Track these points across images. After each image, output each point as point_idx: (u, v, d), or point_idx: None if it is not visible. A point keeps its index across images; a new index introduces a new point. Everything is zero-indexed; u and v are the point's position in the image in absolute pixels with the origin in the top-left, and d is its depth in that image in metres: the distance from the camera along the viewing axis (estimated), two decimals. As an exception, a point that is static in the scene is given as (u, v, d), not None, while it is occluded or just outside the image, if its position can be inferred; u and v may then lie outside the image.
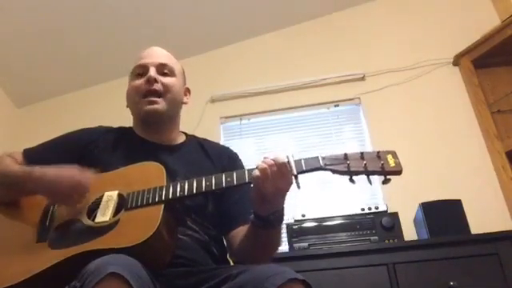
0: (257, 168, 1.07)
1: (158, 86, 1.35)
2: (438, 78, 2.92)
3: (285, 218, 1.19)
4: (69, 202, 1.16)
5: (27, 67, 3.14)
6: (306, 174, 1.10)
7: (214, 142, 1.51)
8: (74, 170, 1.16)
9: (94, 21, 2.94)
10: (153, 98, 1.34)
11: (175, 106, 1.41)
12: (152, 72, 1.35)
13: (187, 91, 1.50)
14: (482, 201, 2.49)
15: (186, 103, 1.47)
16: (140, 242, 1.00)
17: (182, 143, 1.44)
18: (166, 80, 1.38)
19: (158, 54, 1.42)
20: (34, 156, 1.33)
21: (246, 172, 1.12)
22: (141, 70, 1.38)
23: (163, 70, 1.39)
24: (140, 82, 1.36)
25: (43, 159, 1.31)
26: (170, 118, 1.40)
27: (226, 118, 3.12)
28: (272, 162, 1.06)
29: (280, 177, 1.06)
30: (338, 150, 1.12)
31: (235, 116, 3.11)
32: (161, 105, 1.35)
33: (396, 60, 2.99)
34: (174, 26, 3.10)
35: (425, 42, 3.04)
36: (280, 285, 0.93)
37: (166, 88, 1.36)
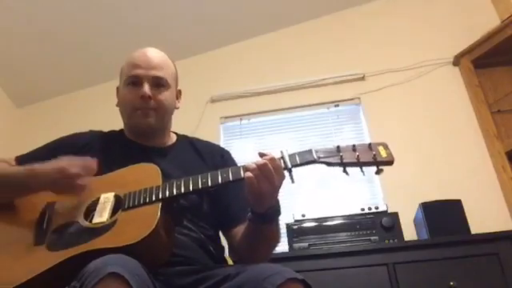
0: (248, 170, 1.08)
1: (152, 104, 1.34)
2: (438, 78, 2.92)
3: (285, 218, 1.20)
4: (72, 189, 1.15)
5: (27, 67, 3.15)
6: (305, 171, 1.11)
7: (205, 141, 1.50)
8: (72, 158, 1.16)
9: (94, 21, 2.94)
10: (146, 110, 1.34)
11: (167, 117, 1.41)
12: (146, 88, 1.33)
13: (179, 94, 1.48)
14: (482, 201, 2.49)
15: (177, 108, 1.46)
16: (138, 241, 1.00)
17: (173, 144, 1.43)
18: (161, 96, 1.35)
19: (152, 64, 1.37)
20: (26, 162, 1.33)
21: (242, 168, 1.12)
22: (134, 80, 1.35)
23: (157, 82, 1.36)
24: (133, 94, 1.34)
25: None
26: (161, 127, 1.40)
27: (226, 118, 3.12)
28: (263, 161, 1.07)
29: (272, 173, 1.07)
30: (338, 150, 1.13)
31: (235, 116, 3.11)
32: (153, 118, 1.34)
33: (396, 60, 2.99)
34: (174, 26, 3.10)
35: (425, 41, 3.04)
36: (279, 284, 0.93)
37: (160, 104, 1.35)
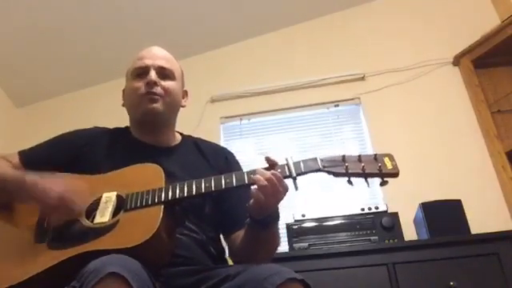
0: (257, 186, 1.08)
1: (158, 90, 1.33)
2: (438, 78, 2.92)
3: (285, 218, 1.20)
4: (57, 215, 1.14)
5: (27, 67, 3.14)
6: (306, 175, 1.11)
7: (209, 142, 1.50)
8: (66, 180, 1.14)
9: (93, 21, 2.94)
10: (153, 95, 1.33)
11: (173, 108, 1.40)
12: (152, 75, 1.34)
13: (185, 94, 1.48)
14: (481, 201, 2.49)
15: (184, 106, 1.45)
16: (140, 243, 1.00)
17: (177, 145, 1.43)
18: (166, 84, 1.36)
19: (158, 56, 1.39)
20: (29, 158, 1.32)
21: (245, 174, 1.12)
22: (141, 71, 1.36)
23: (163, 72, 1.37)
24: (140, 83, 1.34)
25: (39, 161, 1.31)
26: (167, 119, 1.39)
27: (226, 118, 3.12)
28: (270, 175, 1.07)
29: (279, 189, 1.07)
30: (338, 150, 1.14)
31: (235, 116, 3.11)
32: (160, 104, 1.33)
33: (396, 60, 2.99)
34: (174, 26, 3.10)
35: (425, 41, 3.04)
36: (279, 284, 0.93)
37: (166, 92, 1.35)
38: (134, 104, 1.37)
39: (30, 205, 1.22)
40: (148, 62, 1.37)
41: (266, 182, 1.06)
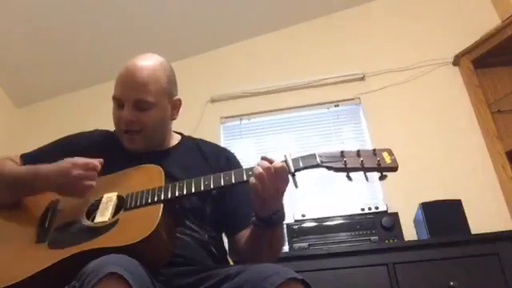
0: (253, 175, 1.08)
1: (134, 127, 1.30)
2: (438, 78, 2.92)
3: (285, 217, 1.20)
4: (76, 192, 1.15)
5: (27, 67, 3.14)
6: (305, 173, 1.11)
7: (210, 143, 1.49)
8: (76, 159, 1.17)
9: (93, 21, 2.94)
10: (131, 134, 1.31)
11: (159, 130, 1.35)
12: (126, 112, 1.27)
13: (176, 104, 1.39)
14: (481, 201, 2.49)
15: (174, 119, 1.41)
16: (139, 240, 1.00)
17: (176, 145, 1.42)
18: (144, 117, 1.29)
19: (134, 85, 1.28)
20: (31, 160, 1.33)
21: (244, 171, 1.12)
22: (117, 102, 1.32)
23: (139, 105, 1.29)
24: (117, 115, 1.31)
25: (42, 163, 1.31)
26: (156, 140, 1.36)
27: (226, 118, 3.12)
28: (267, 164, 1.07)
29: (277, 178, 1.07)
30: (338, 150, 1.13)
31: (235, 116, 3.11)
32: (139, 143, 1.31)
33: (396, 60, 2.99)
34: (174, 26, 3.10)
35: (425, 41, 3.04)
36: (279, 284, 0.93)
37: (144, 125, 1.30)
38: (117, 132, 1.36)
39: (33, 203, 1.23)
40: (122, 95, 1.29)
41: (261, 170, 1.06)
